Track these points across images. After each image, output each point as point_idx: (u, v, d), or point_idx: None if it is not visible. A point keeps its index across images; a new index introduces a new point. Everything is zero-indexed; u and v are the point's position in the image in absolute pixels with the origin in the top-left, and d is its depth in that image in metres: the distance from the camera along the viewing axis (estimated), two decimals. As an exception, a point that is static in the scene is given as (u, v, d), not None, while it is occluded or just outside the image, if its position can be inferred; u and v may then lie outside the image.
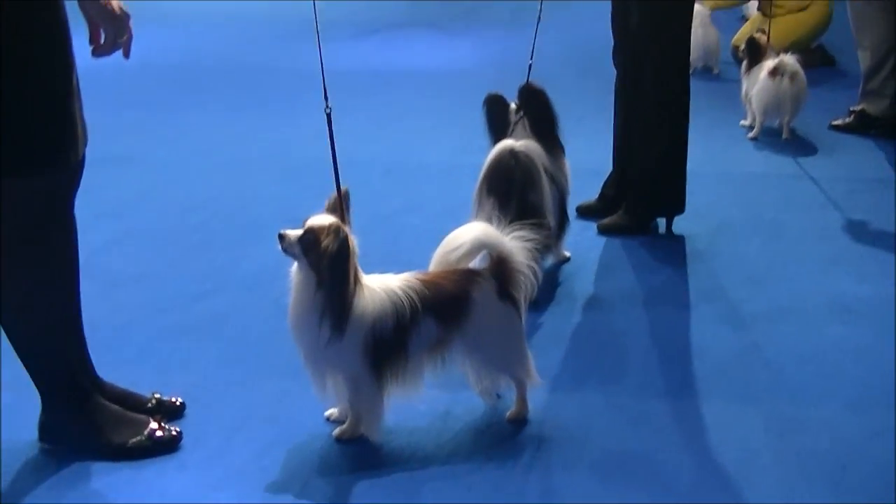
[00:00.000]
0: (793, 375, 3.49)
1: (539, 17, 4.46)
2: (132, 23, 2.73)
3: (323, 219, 2.83)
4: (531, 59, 4.36)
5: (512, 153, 3.95)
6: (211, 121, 6.85)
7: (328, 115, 3.01)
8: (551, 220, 4.03)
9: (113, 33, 2.69)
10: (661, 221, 4.80)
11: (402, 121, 6.74)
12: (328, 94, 3.04)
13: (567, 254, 4.45)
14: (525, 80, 4.29)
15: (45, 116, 2.66)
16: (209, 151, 6.12)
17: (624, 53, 4.69)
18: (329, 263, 2.79)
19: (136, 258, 4.49)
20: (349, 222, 2.90)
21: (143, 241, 4.70)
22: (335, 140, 3.02)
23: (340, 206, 2.88)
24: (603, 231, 4.75)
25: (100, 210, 4.96)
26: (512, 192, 3.87)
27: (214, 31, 10.35)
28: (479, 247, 3.04)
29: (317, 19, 3.06)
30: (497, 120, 4.26)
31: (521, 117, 4.23)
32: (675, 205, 4.75)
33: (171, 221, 4.95)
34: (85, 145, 2.85)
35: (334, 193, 2.91)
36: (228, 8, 11.82)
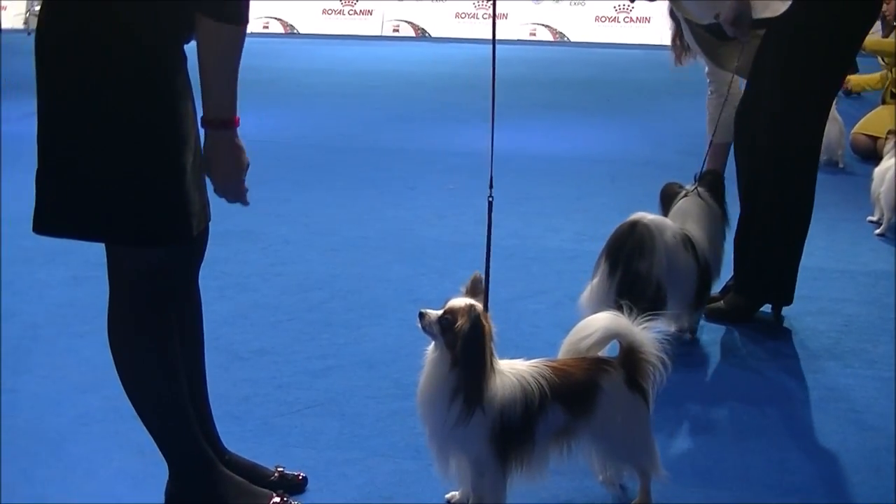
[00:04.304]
0: (925, 482, 3.38)
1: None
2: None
3: (462, 301, 2.84)
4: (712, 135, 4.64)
5: (631, 224, 4.11)
6: (331, 200, 6.95)
7: (490, 203, 3.03)
8: (667, 290, 4.11)
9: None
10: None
11: (524, 205, 6.75)
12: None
13: (696, 327, 4.55)
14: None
15: (152, 191, 2.69)
16: (330, 230, 6.20)
17: (747, 150, 4.67)
18: (462, 343, 2.79)
19: (258, 332, 4.54)
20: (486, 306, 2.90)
21: (266, 315, 4.75)
22: (489, 231, 3.06)
23: (486, 289, 2.91)
24: (709, 317, 4.73)
25: (225, 282, 5.05)
26: (619, 260, 4.01)
27: (336, 110, 10.55)
28: (609, 335, 3.02)
29: (493, 105, 3.07)
30: (668, 205, 4.45)
31: (695, 188, 4.41)
32: (784, 294, 4.70)
33: (293, 298, 5.00)
34: (206, 221, 2.89)
35: (471, 277, 2.92)
36: (349, 87, 12.06)
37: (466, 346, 2.79)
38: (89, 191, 2.66)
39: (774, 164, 4.52)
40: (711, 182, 4.49)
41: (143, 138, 2.65)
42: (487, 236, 3.01)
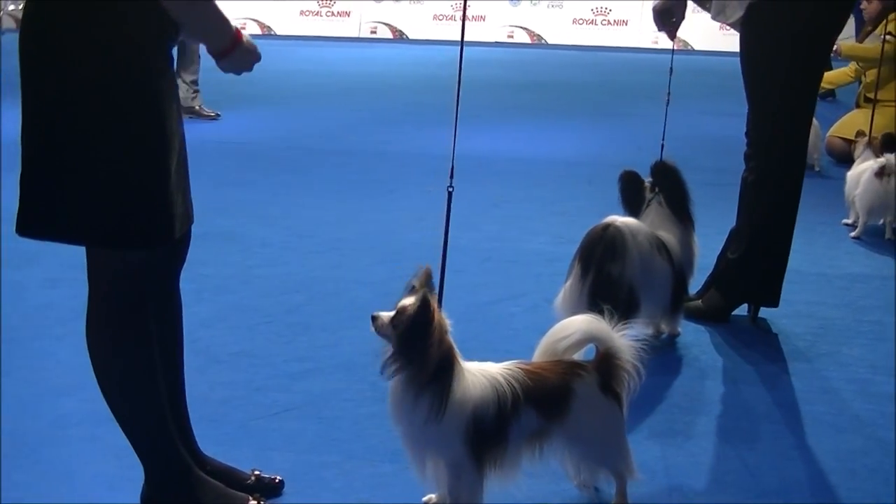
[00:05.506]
0: (901, 484, 3.40)
1: (668, 100, 4.72)
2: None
3: (411, 298, 2.82)
4: (663, 139, 4.58)
5: (604, 227, 4.14)
6: (311, 202, 6.95)
7: (450, 193, 3.01)
8: (641, 293, 4.14)
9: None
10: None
11: (501, 208, 6.78)
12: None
13: (679, 329, 4.57)
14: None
15: (137, 193, 2.69)
16: (309, 233, 6.20)
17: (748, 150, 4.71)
18: (408, 322, 2.77)
19: (236, 335, 4.54)
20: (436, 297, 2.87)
21: (244, 318, 4.75)
22: (447, 222, 3.03)
23: (441, 283, 2.91)
24: (686, 316, 4.73)
25: (203, 285, 5.04)
26: (591, 262, 4.04)
27: (314, 111, 10.53)
28: (587, 339, 3.02)
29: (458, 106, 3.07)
30: (630, 196, 4.45)
31: (657, 194, 4.42)
32: (770, 294, 4.71)
33: (272, 300, 5.00)
34: (189, 224, 2.90)
35: (423, 270, 2.89)
36: (327, 89, 12.05)
37: (412, 324, 2.76)
38: (75, 193, 2.66)
39: (763, 162, 4.59)
40: (668, 183, 4.45)
41: (129, 140, 2.65)
42: (445, 229, 2.99)
